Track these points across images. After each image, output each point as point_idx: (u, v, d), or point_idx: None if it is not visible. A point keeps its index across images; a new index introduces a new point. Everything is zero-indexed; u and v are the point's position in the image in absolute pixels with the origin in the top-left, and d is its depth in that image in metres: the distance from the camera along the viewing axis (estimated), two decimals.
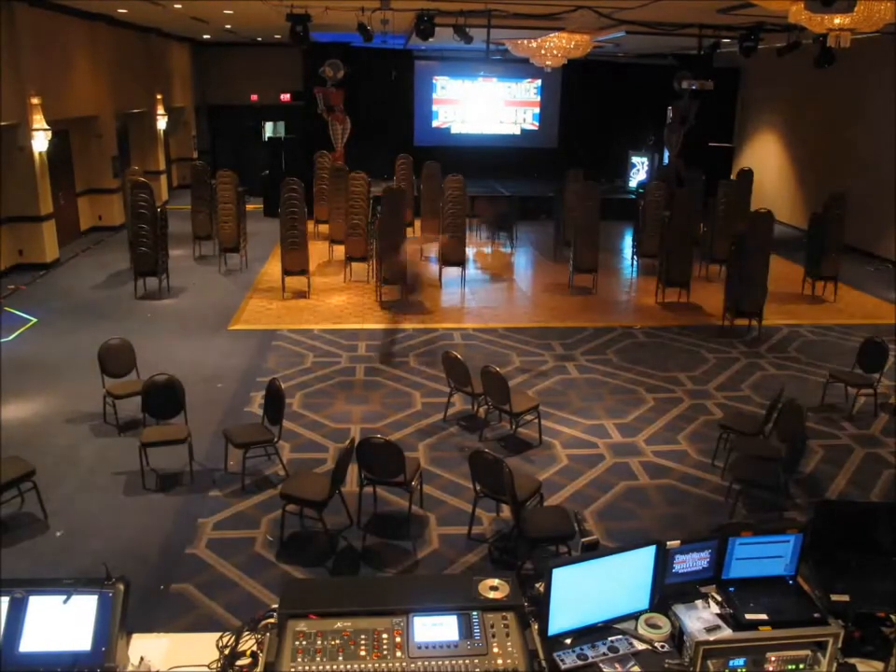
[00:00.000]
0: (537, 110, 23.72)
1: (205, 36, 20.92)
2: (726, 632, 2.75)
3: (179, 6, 13.64)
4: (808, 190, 17.89)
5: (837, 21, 7.07)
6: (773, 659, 2.74)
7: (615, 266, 14.57)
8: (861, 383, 7.94)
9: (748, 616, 2.79)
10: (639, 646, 2.72)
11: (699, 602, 2.89)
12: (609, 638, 2.74)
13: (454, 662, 2.44)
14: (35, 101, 12.51)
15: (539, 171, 23.23)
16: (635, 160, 21.58)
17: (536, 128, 23.86)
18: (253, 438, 6.29)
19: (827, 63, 12.07)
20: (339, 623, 2.54)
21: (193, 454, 6.52)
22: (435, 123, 23.48)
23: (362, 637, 2.50)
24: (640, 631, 2.77)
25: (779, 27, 11.63)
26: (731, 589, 2.94)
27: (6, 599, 2.51)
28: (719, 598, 2.91)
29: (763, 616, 2.80)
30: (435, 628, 2.54)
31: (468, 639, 2.50)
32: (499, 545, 5.58)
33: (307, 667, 2.40)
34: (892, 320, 11.19)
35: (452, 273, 12.82)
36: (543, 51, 14.79)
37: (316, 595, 2.71)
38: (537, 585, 2.87)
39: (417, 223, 15.99)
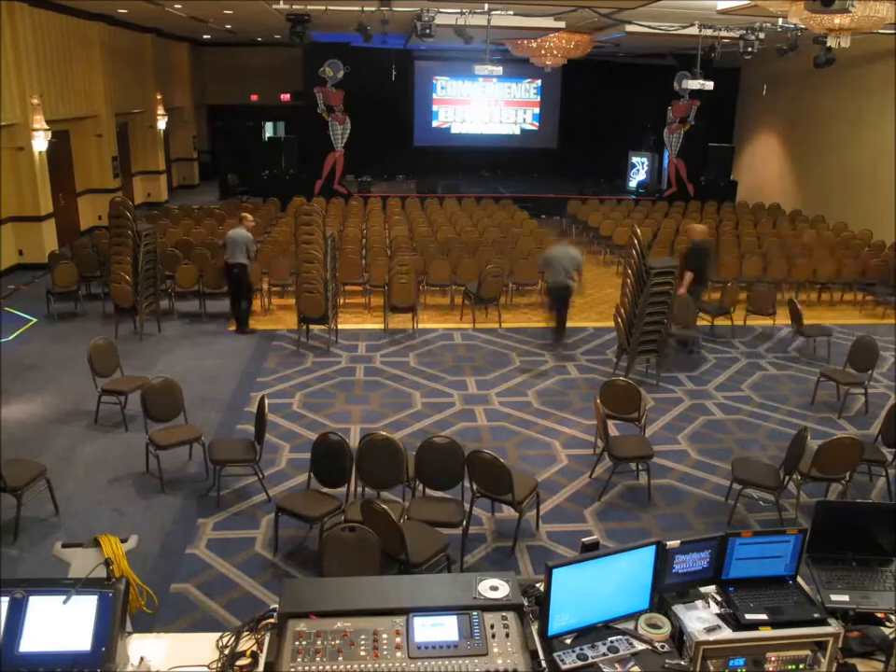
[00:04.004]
0: (536, 110, 23.75)
1: (205, 36, 20.92)
2: (726, 632, 2.75)
3: (179, 6, 13.66)
4: (809, 190, 17.88)
5: (837, 21, 7.08)
6: (773, 659, 2.74)
7: (616, 265, 14.57)
8: (853, 381, 7.96)
9: (748, 616, 2.79)
10: (639, 646, 2.72)
11: (699, 602, 2.89)
12: (609, 638, 2.74)
13: (454, 662, 2.44)
14: (34, 101, 12.52)
15: (539, 171, 23.26)
16: (635, 160, 21.59)
17: (536, 128, 23.88)
18: (232, 456, 6.03)
19: (827, 63, 12.10)
20: (339, 623, 2.54)
21: (193, 454, 6.53)
22: (435, 123, 23.50)
23: (362, 637, 2.50)
24: (640, 631, 2.77)
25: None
26: (731, 589, 2.94)
27: (6, 599, 2.51)
28: (719, 598, 2.91)
29: (763, 616, 2.80)
30: (435, 628, 2.54)
31: (468, 639, 2.50)
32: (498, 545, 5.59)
33: (307, 667, 2.40)
34: (893, 321, 11.20)
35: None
36: (543, 51, 14.84)
37: (316, 594, 2.71)
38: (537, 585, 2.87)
39: None
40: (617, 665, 2.64)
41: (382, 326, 10.50)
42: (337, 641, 2.48)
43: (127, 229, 9.54)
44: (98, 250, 11.66)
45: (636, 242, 8.45)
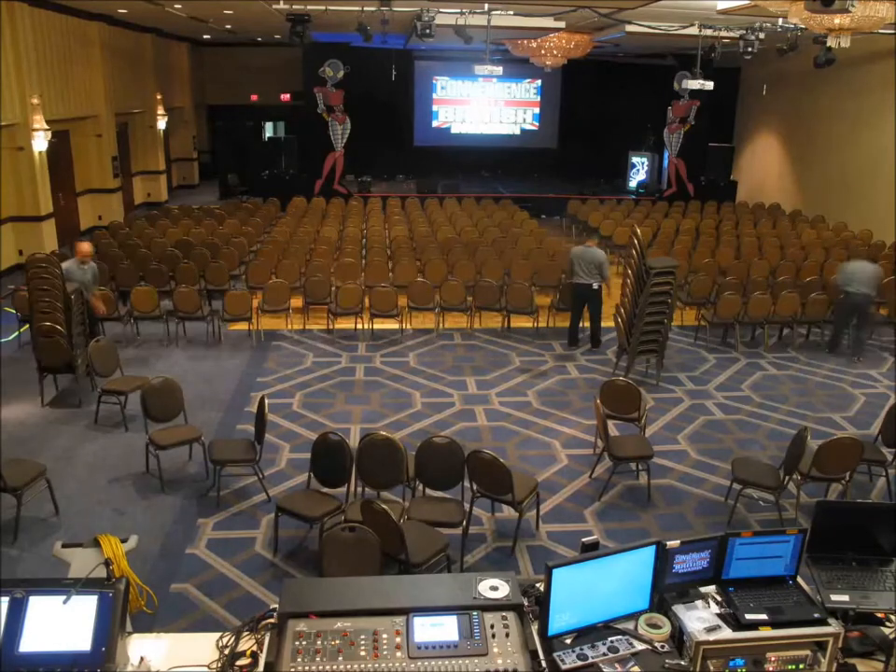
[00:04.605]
0: (536, 110, 23.74)
1: (205, 36, 20.92)
2: (726, 632, 2.75)
3: (179, 6, 13.66)
4: (809, 190, 17.88)
5: (837, 21, 7.08)
6: (773, 659, 2.74)
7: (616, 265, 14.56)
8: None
9: (748, 616, 2.80)
10: (639, 646, 2.72)
11: (699, 602, 2.89)
12: (609, 638, 2.74)
13: (454, 662, 2.44)
14: (34, 101, 12.52)
15: (539, 171, 23.26)
16: (635, 160, 21.58)
17: (536, 128, 23.87)
18: (232, 456, 6.01)
19: (827, 63, 12.09)
20: (339, 623, 2.54)
21: (193, 454, 6.53)
22: (435, 123, 23.49)
23: (362, 637, 2.50)
24: (640, 631, 2.77)
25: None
26: (731, 589, 2.94)
27: (6, 599, 2.51)
28: (719, 598, 2.91)
29: (763, 616, 2.80)
30: (435, 628, 2.54)
31: (468, 639, 2.50)
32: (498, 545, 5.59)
33: (307, 667, 2.40)
34: None
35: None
36: (543, 51, 14.83)
37: (316, 594, 2.71)
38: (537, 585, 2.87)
39: None
40: (617, 665, 2.64)
41: (382, 326, 10.50)
42: (337, 641, 2.48)
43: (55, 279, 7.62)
44: (98, 250, 11.65)
45: (635, 242, 8.45)
